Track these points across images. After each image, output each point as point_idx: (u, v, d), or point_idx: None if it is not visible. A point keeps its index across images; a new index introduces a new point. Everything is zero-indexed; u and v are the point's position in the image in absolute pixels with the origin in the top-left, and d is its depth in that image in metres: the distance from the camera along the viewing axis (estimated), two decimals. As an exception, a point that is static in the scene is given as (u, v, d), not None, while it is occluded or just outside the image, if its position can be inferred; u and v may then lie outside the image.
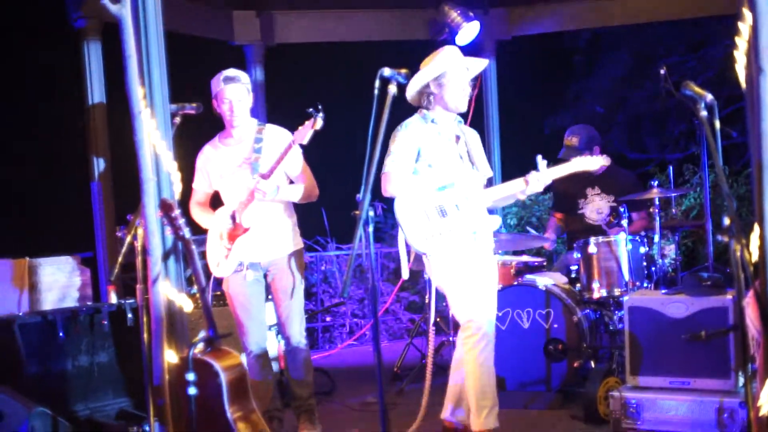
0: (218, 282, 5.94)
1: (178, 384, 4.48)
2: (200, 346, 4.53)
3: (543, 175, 5.45)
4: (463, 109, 5.52)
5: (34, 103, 9.65)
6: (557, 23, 9.86)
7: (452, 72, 5.42)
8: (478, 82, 8.90)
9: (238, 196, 5.75)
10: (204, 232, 5.89)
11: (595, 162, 5.75)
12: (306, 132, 5.49)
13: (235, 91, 5.76)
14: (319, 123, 5.47)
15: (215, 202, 5.97)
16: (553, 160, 7.72)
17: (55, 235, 8.81)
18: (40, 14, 9.36)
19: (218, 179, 5.88)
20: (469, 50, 5.48)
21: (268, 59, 9.36)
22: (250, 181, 5.67)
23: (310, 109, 5.50)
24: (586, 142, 7.40)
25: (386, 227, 11.18)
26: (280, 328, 5.97)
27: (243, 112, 5.80)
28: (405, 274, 5.45)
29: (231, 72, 5.81)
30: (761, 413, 4.21)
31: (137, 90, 4.63)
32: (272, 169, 5.57)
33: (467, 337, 5.32)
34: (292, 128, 5.64)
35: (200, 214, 5.93)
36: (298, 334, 5.89)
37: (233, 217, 5.71)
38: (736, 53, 4.33)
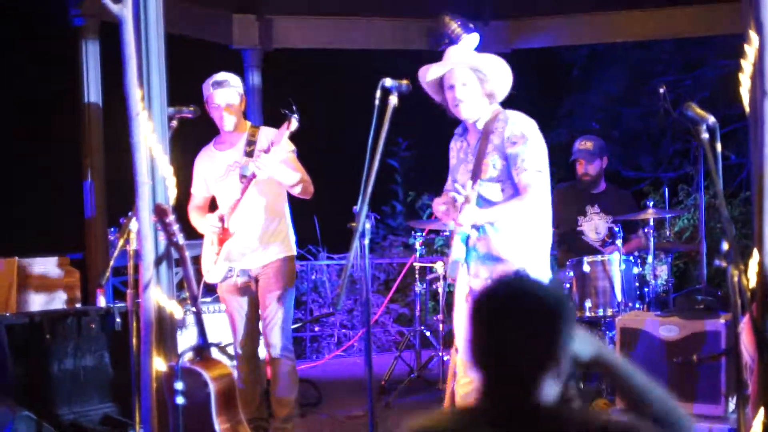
0: (207, 288, 5.88)
1: (166, 392, 4.43)
2: (190, 354, 4.48)
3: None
4: (463, 117, 4.98)
5: (29, 98, 9.57)
6: (557, 37, 9.85)
7: (428, 88, 5.05)
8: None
9: (228, 200, 5.69)
10: (199, 236, 5.83)
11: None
12: (281, 135, 5.38)
13: (225, 96, 5.67)
14: (294, 125, 5.33)
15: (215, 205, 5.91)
16: (564, 165, 7.73)
17: (45, 234, 8.74)
18: (39, 9, 9.30)
19: (213, 184, 5.83)
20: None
21: (266, 64, 9.33)
22: (238, 184, 5.60)
23: (285, 111, 5.36)
24: (599, 148, 7.43)
25: (377, 237, 11.12)
26: (264, 337, 5.79)
27: (233, 116, 5.72)
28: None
29: (220, 76, 5.72)
30: (753, 441, 4.18)
31: (136, 92, 4.59)
32: (269, 146, 5.37)
33: None
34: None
35: (197, 219, 5.86)
36: (278, 344, 5.67)
37: (222, 220, 5.66)
38: (741, 76, 4.31)
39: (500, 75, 4.99)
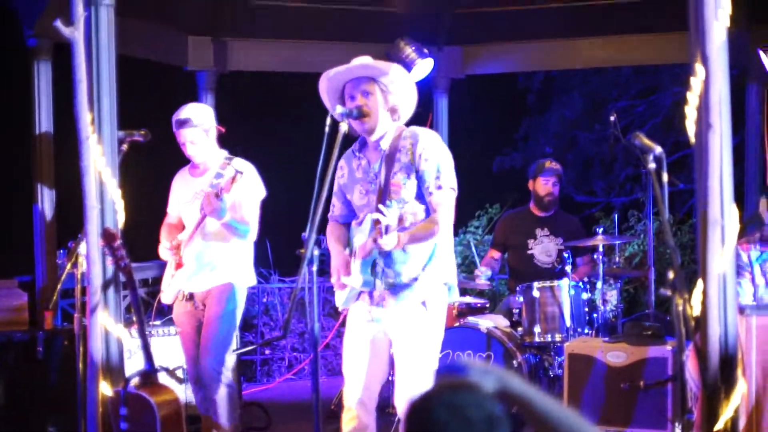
0: (168, 307, 5.89)
1: (113, 417, 4.41)
2: (136, 379, 4.46)
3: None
4: (366, 129, 4.75)
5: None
6: (510, 64, 9.91)
7: (328, 98, 4.88)
8: (430, 118, 8.92)
9: (189, 225, 5.68)
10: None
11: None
12: (229, 186, 5.35)
13: (187, 135, 5.61)
14: (240, 179, 5.34)
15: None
16: (520, 189, 7.86)
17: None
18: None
19: (182, 207, 5.80)
20: (421, 87, 5.11)
21: (221, 86, 9.30)
22: (197, 214, 5.58)
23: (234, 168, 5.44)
24: (563, 172, 7.63)
25: (329, 260, 11.08)
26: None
27: (199, 152, 5.66)
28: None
29: (183, 113, 5.62)
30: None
31: (86, 115, 4.58)
32: (221, 191, 5.36)
33: None
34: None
35: (164, 238, 5.82)
36: (209, 367, 5.48)
37: (177, 248, 5.64)
38: (686, 108, 4.37)
39: (405, 89, 4.76)
